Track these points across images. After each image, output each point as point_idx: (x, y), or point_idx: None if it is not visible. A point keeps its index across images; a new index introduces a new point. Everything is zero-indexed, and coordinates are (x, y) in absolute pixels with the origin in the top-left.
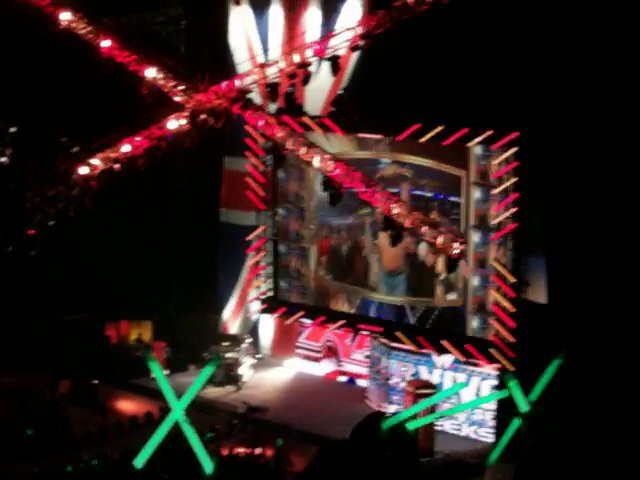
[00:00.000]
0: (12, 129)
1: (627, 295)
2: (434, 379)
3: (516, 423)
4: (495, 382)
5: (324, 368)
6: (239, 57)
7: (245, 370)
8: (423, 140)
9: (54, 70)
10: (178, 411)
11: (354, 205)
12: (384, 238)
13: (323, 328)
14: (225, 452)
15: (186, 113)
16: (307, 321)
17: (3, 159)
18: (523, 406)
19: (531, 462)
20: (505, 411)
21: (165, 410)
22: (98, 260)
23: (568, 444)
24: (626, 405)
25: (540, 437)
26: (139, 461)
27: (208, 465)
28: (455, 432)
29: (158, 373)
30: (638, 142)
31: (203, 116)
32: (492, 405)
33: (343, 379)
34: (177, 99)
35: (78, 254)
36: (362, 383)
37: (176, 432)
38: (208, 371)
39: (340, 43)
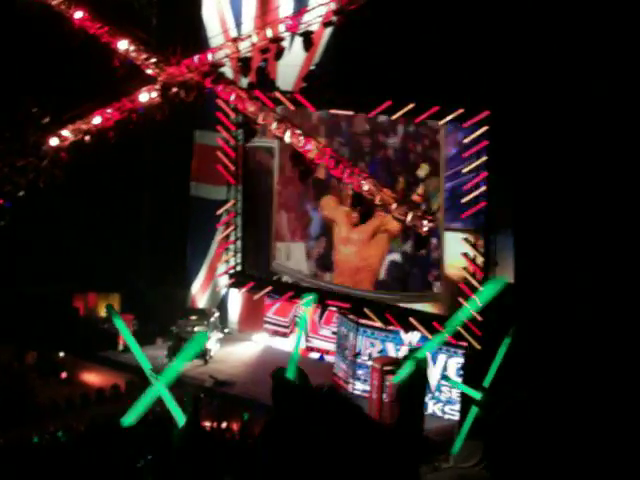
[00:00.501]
0: None
1: (595, 274)
2: (401, 356)
3: (474, 410)
4: (461, 360)
5: (292, 343)
6: (212, 31)
7: (213, 344)
8: (394, 117)
9: (25, 41)
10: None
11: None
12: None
13: (291, 303)
14: None
15: (158, 86)
16: (275, 296)
17: None
18: (475, 394)
19: (499, 436)
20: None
21: (132, 383)
22: (67, 232)
23: (534, 416)
24: (593, 378)
25: (506, 411)
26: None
27: (181, 418)
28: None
29: (124, 331)
30: (610, 120)
31: (175, 89)
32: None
33: (315, 356)
34: (149, 72)
35: (47, 226)
36: (330, 359)
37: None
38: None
39: (313, 18)
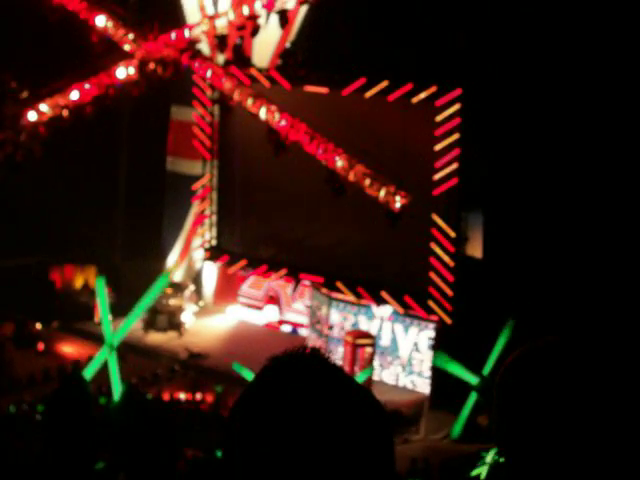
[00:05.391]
0: None
1: (562, 253)
2: (373, 329)
3: (474, 396)
4: (432, 333)
5: (266, 316)
6: (189, 7)
7: (188, 317)
8: (368, 95)
9: (3, 15)
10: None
11: None
12: None
13: (265, 277)
14: (166, 397)
15: (135, 62)
16: (249, 270)
17: None
18: (472, 379)
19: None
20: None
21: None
22: (44, 206)
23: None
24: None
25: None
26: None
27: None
28: (392, 382)
29: (103, 303)
30: (583, 98)
31: (152, 65)
32: (428, 356)
33: (287, 329)
34: (126, 48)
35: (24, 199)
36: (303, 332)
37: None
38: (161, 283)
39: None
